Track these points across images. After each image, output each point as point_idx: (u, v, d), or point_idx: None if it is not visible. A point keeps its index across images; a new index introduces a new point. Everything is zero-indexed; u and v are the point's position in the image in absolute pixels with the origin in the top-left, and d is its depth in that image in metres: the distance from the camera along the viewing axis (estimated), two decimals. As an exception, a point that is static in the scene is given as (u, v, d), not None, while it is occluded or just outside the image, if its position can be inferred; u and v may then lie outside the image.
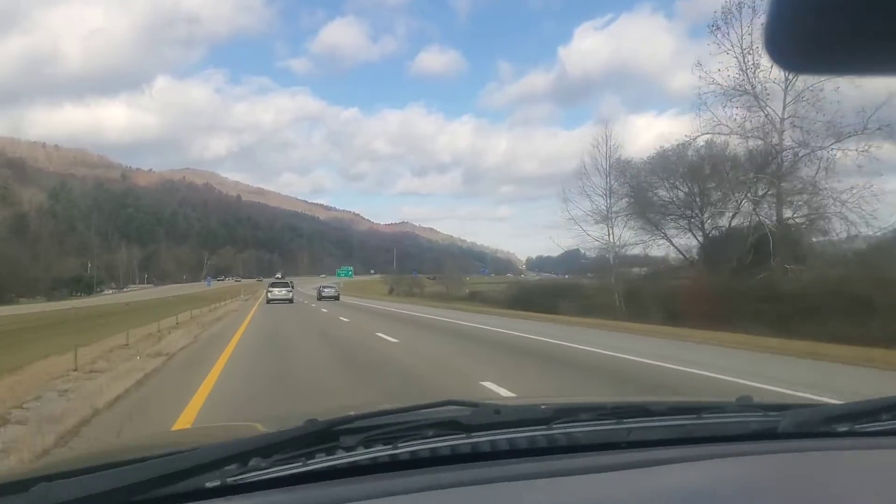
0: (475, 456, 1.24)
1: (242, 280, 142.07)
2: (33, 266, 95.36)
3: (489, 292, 53.12)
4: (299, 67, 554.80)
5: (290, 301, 42.48)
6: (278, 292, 43.56)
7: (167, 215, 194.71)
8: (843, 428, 1.47)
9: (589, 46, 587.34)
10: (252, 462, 1.10)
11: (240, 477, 1.08)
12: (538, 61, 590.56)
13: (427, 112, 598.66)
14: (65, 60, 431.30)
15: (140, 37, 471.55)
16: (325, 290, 51.67)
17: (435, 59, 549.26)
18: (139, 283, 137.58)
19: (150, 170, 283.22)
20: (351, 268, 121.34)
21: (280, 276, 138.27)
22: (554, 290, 36.71)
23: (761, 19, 0.88)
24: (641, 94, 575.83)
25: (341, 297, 51.00)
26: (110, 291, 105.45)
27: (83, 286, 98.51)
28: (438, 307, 36.74)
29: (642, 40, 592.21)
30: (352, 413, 1.30)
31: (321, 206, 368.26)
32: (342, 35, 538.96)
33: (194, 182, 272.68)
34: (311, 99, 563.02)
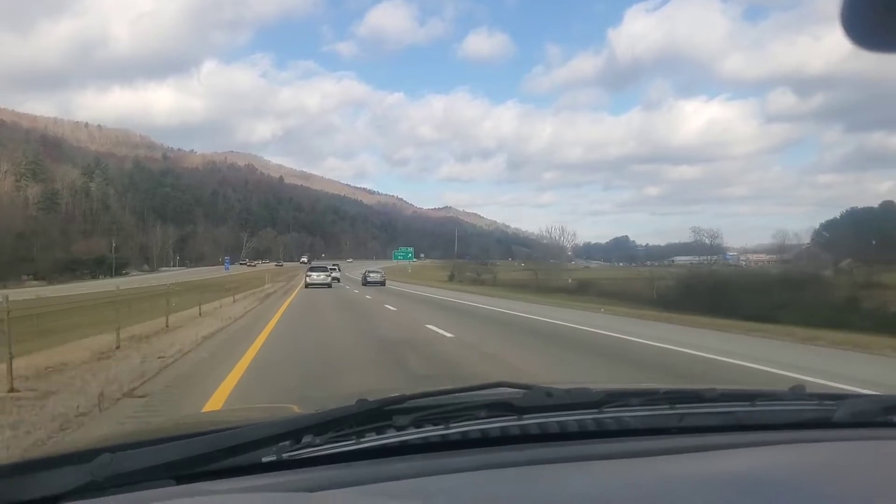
0: (526, 438, 1.24)
1: (258, 264, 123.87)
2: (57, 245, 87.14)
3: (600, 282, 41.18)
4: (345, 51, 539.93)
5: (329, 286, 41.35)
6: (317, 276, 42.23)
7: (207, 196, 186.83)
8: None
9: (639, 29, 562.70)
10: (305, 439, 1.12)
11: (294, 453, 1.10)
12: (587, 44, 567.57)
13: (472, 97, 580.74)
14: (114, 44, 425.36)
15: (188, 19, 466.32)
16: (371, 274, 50.30)
17: (483, 43, 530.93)
18: (172, 265, 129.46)
19: (192, 150, 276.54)
20: (411, 249, 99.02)
21: (306, 259, 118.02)
22: (775, 284, 24.00)
23: None
24: (691, 78, 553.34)
25: (395, 285, 47.89)
26: (137, 273, 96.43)
27: (106, 268, 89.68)
28: (548, 304, 25.43)
29: (695, 22, 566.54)
30: (404, 393, 1.28)
31: (364, 190, 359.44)
32: (389, 18, 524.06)
33: (236, 163, 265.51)
34: (357, 83, 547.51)
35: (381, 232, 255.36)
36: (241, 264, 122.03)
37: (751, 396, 1.48)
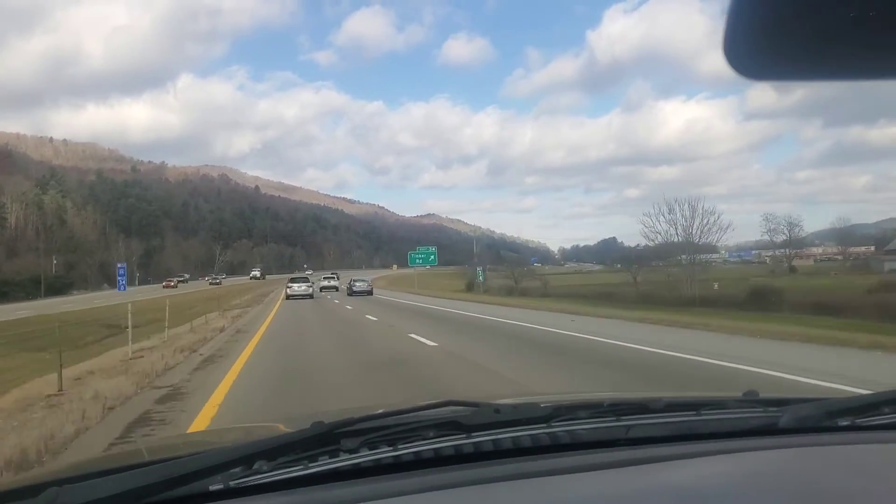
0: (475, 456, 1.24)
1: (176, 282, 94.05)
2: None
3: (764, 284, 28.78)
4: (323, 60, 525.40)
5: (311, 296, 41.16)
6: (298, 288, 41.72)
7: (177, 207, 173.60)
8: (844, 422, 1.44)
9: (618, 30, 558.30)
10: (256, 465, 1.11)
11: (242, 480, 1.09)
12: (566, 47, 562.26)
13: (453, 104, 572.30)
14: (87, 60, 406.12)
15: (162, 33, 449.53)
16: (357, 283, 48.73)
17: (462, 48, 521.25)
18: (135, 283, 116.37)
19: (163, 162, 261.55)
20: (433, 249, 70.25)
21: (258, 273, 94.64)
22: None
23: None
24: (670, 79, 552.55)
25: (406, 299, 41.45)
26: (77, 293, 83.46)
27: (47, 287, 77.12)
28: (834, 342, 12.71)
29: (673, 21, 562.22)
30: (353, 416, 1.27)
31: (345, 199, 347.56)
32: (367, 25, 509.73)
33: (209, 174, 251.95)
34: (336, 93, 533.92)
35: (364, 241, 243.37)
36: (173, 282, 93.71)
37: (696, 405, 1.47)
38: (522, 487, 1.12)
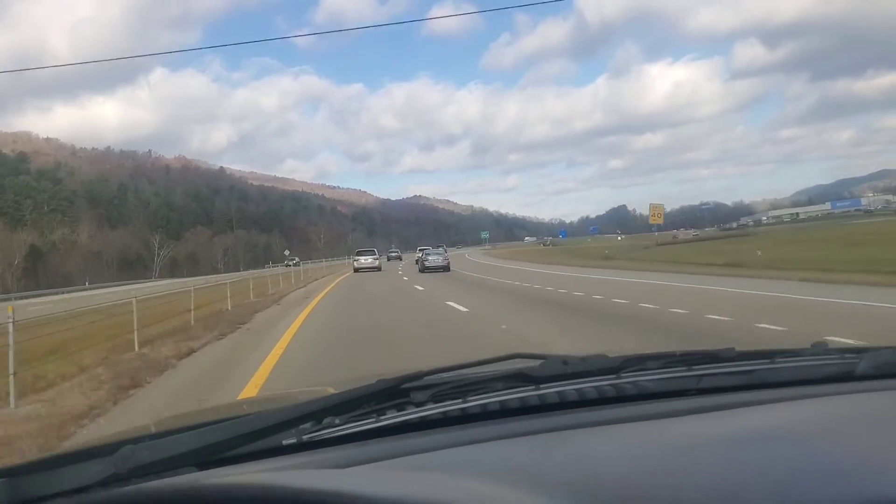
0: (544, 407, 1.23)
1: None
2: None
3: None
4: (302, 42, 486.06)
5: (379, 269, 41.85)
6: (364, 261, 43.22)
7: (110, 191, 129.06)
8: None
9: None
10: (326, 420, 1.12)
11: (314, 434, 1.10)
12: (554, 9, 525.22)
13: (435, 82, 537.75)
14: (49, 54, 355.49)
15: (130, 21, 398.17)
16: (430, 257, 36.94)
17: (446, 19, 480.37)
18: (25, 290, 72.97)
19: (109, 147, 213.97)
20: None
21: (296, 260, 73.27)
22: None
23: None
24: (658, 39, 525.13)
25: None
26: None
27: None
28: None
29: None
30: (421, 370, 1.26)
31: (326, 186, 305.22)
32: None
33: (163, 156, 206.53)
34: (315, 78, 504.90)
35: (356, 224, 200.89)
36: None
37: (770, 354, 1.43)
38: (593, 434, 1.11)
